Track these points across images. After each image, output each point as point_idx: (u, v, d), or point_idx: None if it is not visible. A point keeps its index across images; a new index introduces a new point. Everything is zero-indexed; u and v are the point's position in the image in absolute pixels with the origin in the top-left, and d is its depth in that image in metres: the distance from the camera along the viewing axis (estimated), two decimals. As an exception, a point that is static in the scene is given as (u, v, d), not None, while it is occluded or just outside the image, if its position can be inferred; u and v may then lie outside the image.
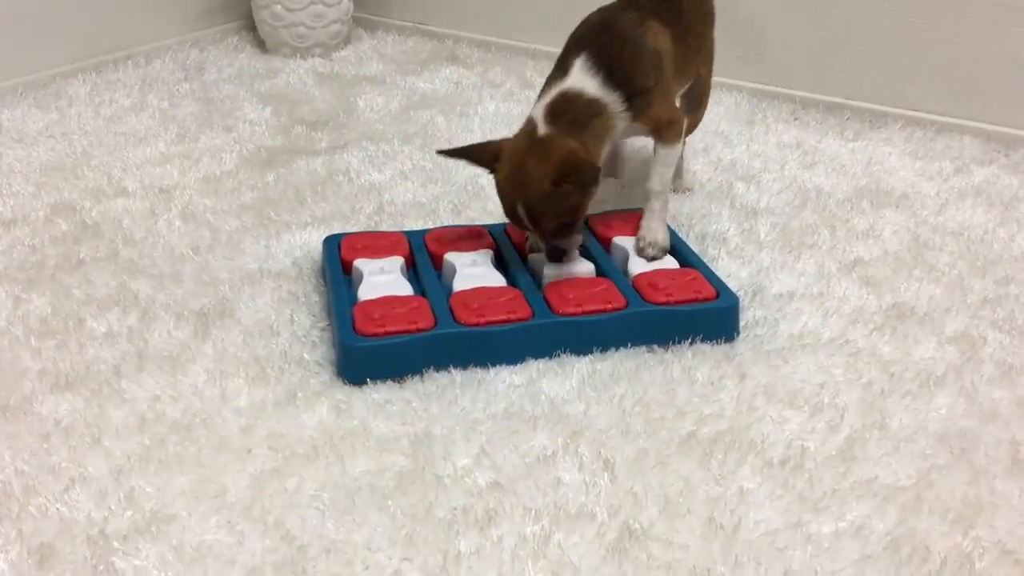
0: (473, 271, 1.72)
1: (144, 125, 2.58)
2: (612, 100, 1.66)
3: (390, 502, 1.30)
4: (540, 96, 1.69)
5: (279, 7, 3.07)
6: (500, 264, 1.79)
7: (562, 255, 1.69)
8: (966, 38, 2.38)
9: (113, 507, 1.29)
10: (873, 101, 2.53)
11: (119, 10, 3.06)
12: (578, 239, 1.70)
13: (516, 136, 1.67)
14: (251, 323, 1.70)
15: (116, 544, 1.23)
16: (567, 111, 1.64)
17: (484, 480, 1.34)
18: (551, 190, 1.57)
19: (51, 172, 2.30)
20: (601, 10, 1.79)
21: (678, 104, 1.93)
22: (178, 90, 2.84)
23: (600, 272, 1.74)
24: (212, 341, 1.65)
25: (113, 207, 2.13)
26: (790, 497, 1.30)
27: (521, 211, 1.61)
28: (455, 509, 1.29)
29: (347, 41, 3.24)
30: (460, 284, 1.68)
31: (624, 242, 1.81)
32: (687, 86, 1.94)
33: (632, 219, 1.85)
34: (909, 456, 1.37)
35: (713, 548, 1.22)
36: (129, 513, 1.29)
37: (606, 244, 1.84)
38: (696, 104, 2.03)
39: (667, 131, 1.76)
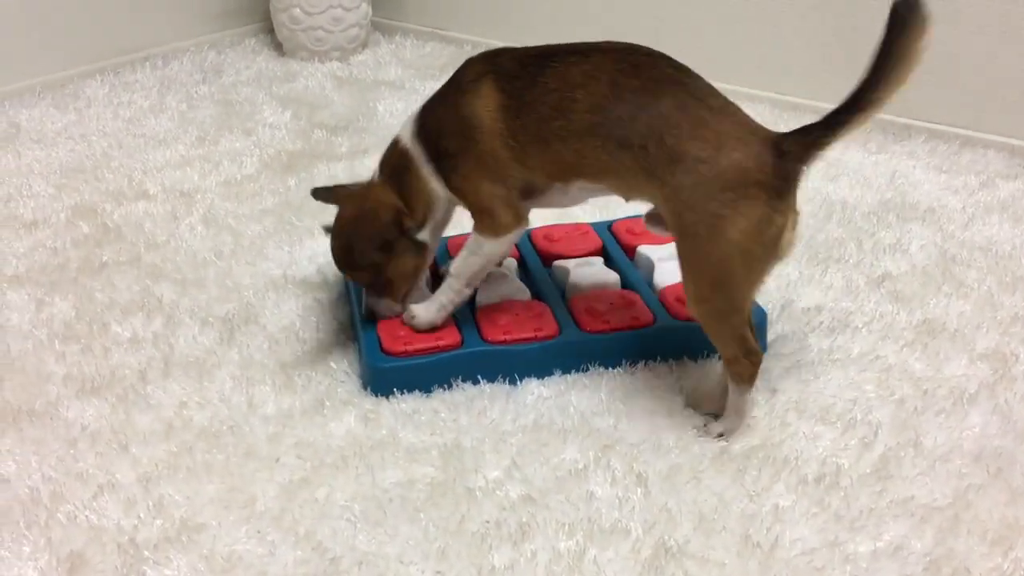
0: (498, 281, 1.70)
1: (163, 127, 2.57)
2: (419, 155, 1.50)
3: (422, 514, 1.29)
4: None
5: (298, 10, 3.07)
6: (524, 273, 1.78)
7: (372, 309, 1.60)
8: (989, 52, 2.36)
9: (142, 515, 1.28)
10: (896, 114, 2.52)
11: (136, 11, 3.06)
12: (382, 300, 1.59)
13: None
14: (276, 330, 1.69)
15: (147, 553, 1.22)
16: (390, 156, 1.55)
17: (516, 493, 1.32)
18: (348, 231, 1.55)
19: (71, 174, 2.29)
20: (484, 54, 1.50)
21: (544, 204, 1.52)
22: (196, 92, 2.83)
23: (625, 283, 1.72)
24: (238, 347, 1.64)
25: (134, 210, 2.12)
26: (826, 515, 1.29)
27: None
28: (488, 522, 1.27)
29: (365, 45, 3.23)
30: (485, 296, 1.67)
31: (649, 251, 1.79)
32: (578, 188, 1.46)
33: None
34: (945, 475, 1.35)
35: (750, 566, 1.21)
36: (159, 522, 1.27)
37: (631, 252, 1.82)
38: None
39: (478, 219, 1.49)
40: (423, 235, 1.57)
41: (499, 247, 1.51)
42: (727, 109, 1.34)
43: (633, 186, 1.39)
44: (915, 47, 1.22)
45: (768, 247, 1.32)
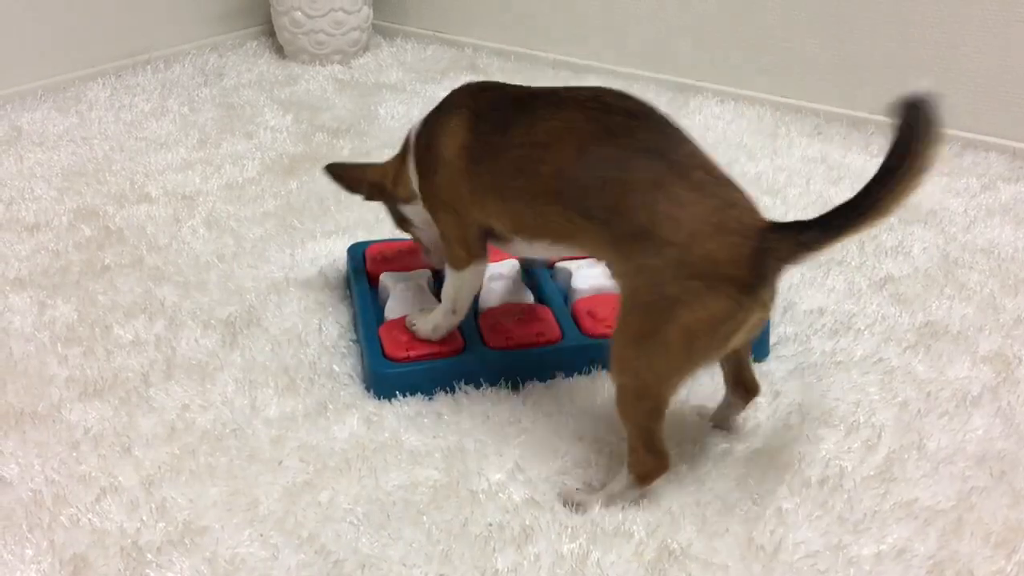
0: (501, 285, 1.71)
1: (165, 130, 2.58)
2: (411, 157, 1.52)
3: (425, 517, 1.29)
4: None
5: (299, 13, 3.07)
6: (527, 275, 1.78)
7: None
8: (992, 54, 2.37)
9: (145, 518, 1.28)
10: (897, 116, 2.52)
11: (137, 14, 3.06)
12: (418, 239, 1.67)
13: None
14: (279, 332, 1.68)
15: (149, 556, 1.22)
16: (406, 138, 1.57)
17: (519, 496, 1.32)
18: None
19: (73, 177, 2.29)
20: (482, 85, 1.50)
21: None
22: (198, 95, 2.83)
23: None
24: (240, 350, 1.63)
25: (136, 213, 2.12)
26: (829, 518, 1.28)
27: None
28: (491, 525, 1.27)
29: (366, 48, 3.23)
30: (488, 300, 1.67)
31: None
32: (533, 243, 1.38)
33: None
34: (948, 478, 1.35)
35: (754, 569, 1.21)
36: (161, 524, 1.27)
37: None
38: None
39: (445, 247, 1.49)
40: (407, 210, 1.60)
41: (464, 278, 1.48)
42: (709, 186, 1.20)
43: (596, 252, 1.32)
44: (927, 156, 1.08)
45: (718, 341, 1.21)
